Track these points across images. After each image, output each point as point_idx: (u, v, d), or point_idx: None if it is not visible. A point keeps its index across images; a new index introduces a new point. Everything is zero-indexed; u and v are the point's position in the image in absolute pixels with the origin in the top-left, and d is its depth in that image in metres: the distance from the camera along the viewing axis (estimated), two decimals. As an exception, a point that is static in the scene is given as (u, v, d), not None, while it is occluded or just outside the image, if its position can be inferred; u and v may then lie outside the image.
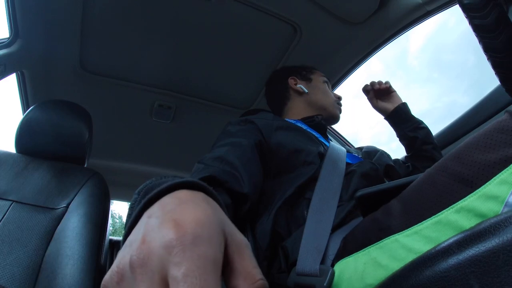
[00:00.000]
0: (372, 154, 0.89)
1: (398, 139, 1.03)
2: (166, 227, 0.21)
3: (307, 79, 1.03)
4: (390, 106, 1.01)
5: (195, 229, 0.20)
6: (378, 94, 1.03)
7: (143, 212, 0.26)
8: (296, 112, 0.98)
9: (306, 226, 0.56)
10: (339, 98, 1.05)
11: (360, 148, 0.98)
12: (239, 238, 0.23)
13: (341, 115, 1.04)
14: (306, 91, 1.00)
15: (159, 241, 0.20)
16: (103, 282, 0.22)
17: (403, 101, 1.02)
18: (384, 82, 1.02)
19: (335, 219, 0.57)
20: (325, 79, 1.06)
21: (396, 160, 0.98)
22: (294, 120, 0.92)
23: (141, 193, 0.35)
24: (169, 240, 0.20)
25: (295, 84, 1.01)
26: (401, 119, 1.00)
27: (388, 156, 0.94)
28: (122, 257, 0.22)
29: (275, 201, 0.68)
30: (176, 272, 0.18)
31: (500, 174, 0.31)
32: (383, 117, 1.05)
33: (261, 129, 0.76)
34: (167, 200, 0.25)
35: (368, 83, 1.05)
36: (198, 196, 0.26)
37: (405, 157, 1.01)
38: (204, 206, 0.23)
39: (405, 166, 0.96)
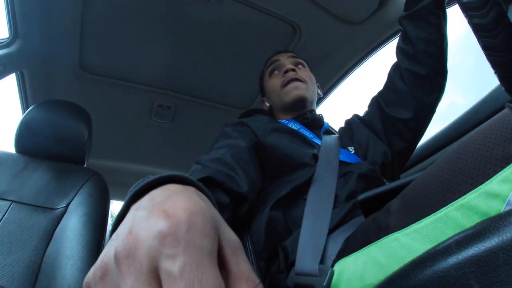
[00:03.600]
0: (363, 145, 0.84)
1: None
2: (156, 217, 0.19)
3: (264, 90, 0.99)
4: None
5: (189, 218, 0.19)
6: None
7: (130, 206, 0.24)
8: (278, 118, 0.95)
9: (303, 226, 0.56)
10: (286, 71, 0.89)
11: (349, 129, 0.90)
12: (233, 238, 0.22)
13: (305, 85, 0.88)
14: (268, 104, 0.98)
15: (148, 231, 0.18)
16: (85, 280, 0.20)
17: None
18: None
19: (334, 218, 0.58)
20: (271, 67, 0.94)
21: (361, 117, 0.92)
22: (287, 120, 0.89)
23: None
24: (160, 229, 0.18)
25: (264, 104, 1.00)
26: None
27: (369, 133, 0.86)
28: (107, 251, 0.20)
29: (268, 201, 0.68)
30: (171, 266, 0.17)
31: (502, 171, 0.30)
32: None
33: (255, 131, 0.77)
34: (157, 193, 0.24)
35: None
36: (190, 189, 0.25)
37: (400, 18, 0.85)
38: (197, 198, 0.22)
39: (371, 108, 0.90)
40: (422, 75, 0.80)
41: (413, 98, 0.81)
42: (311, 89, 0.92)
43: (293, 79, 0.88)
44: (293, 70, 0.90)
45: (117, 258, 0.18)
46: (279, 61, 0.94)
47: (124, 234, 0.19)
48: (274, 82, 0.92)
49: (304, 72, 0.93)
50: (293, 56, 0.96)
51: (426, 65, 0.79)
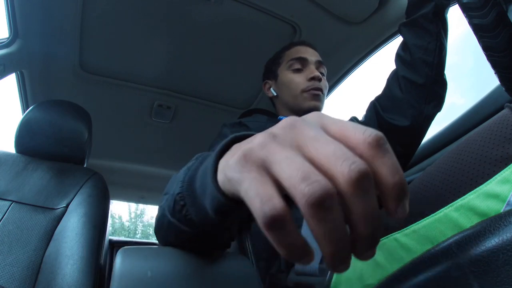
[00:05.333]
0: None
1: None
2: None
3: (275, 77, 0.95)
4: None
5: None
6: None
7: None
8: (281, 113, 0.94)
9: (303, 225, 0.56)
10: (313, 78, 0.86)
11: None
12: None
13: (322, 97, 0.88)
14: (275, 93, 0.94)
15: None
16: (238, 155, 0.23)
17: None
18: None
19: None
20: (294, 61, 0.90)
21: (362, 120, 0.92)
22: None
23: (198, 159, 0.38)
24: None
25: (269, 89, 0.96)
26: None
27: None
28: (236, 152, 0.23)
29: None
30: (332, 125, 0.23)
31: (501, 172, 0.31)
32: None
33: (254, 131, 0.77)
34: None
35: None
36: None
37: (399, 25, 0.85)
38: None
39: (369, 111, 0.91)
40: (419, 84, 0.79)
41: (410, 106, 0.81)
42: (324, 100, 0.91)
43: (317, 88, 0.86)
44: (320, 80, 0.87)
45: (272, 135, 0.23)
46: (306, 60, 0.90)
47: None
48: (295, 80, 0.88)
49: (324, 83, 0.91)
50: (319, 61, 0.92)
51: (423, 74, 0.79)
